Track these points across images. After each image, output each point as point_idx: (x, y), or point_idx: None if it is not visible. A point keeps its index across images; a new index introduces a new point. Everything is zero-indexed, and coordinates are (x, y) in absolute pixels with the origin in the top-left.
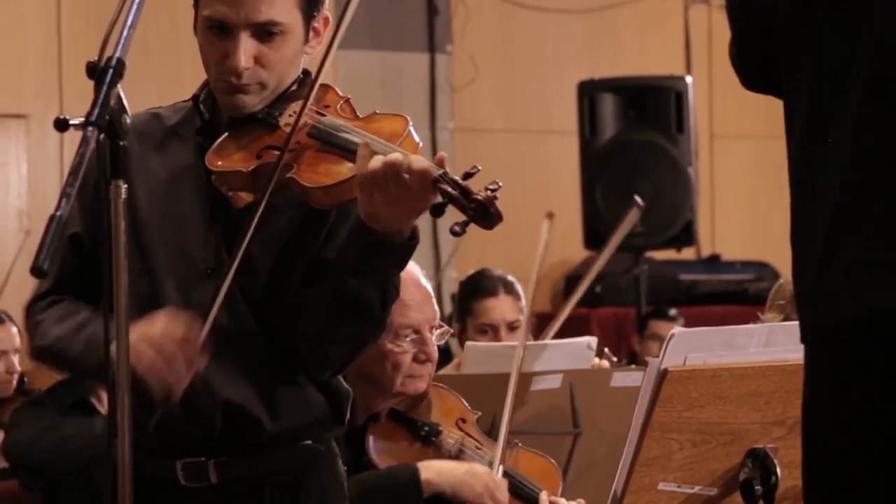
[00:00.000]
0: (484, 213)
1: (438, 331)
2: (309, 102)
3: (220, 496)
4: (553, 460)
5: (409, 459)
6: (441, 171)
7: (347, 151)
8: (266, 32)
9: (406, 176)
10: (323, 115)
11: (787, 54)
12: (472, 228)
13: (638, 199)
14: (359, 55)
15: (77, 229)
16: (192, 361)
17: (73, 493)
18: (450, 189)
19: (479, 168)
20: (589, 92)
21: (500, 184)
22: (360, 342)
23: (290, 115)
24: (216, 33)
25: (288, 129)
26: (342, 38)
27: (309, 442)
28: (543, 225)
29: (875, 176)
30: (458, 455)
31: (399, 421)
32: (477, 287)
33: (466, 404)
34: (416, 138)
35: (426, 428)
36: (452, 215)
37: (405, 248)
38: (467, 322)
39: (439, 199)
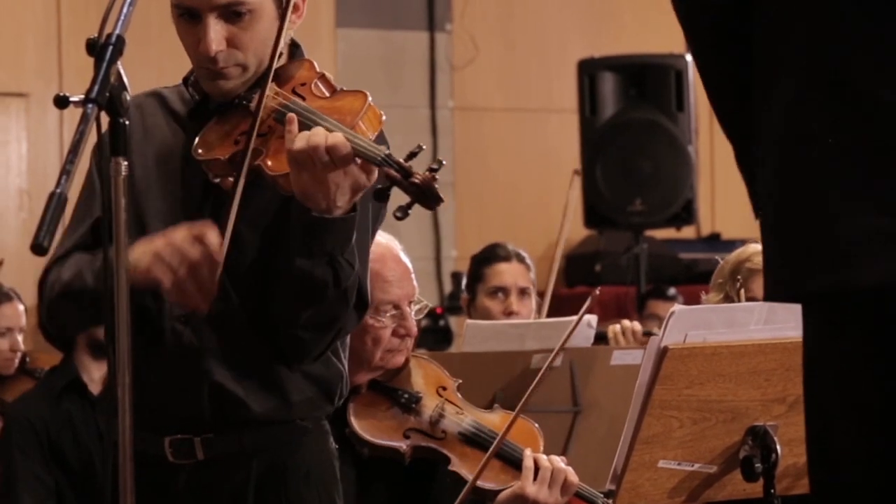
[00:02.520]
0: (423, 195)
1: (416, 306)
2: (266, 90)
3: (207, 473)
4: (535, 423)
5: (391, 427)
6: (384, 155)
7: None
8: (233, 13)
9: (326, 155)
10: (300, 95)
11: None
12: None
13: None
14: (358, 34)
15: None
16: (213, 271)
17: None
18: (393, 172)
19: (423, 147)
20: (589, 70)
21: (444, 162)
22: (329, 325)
23: (265, 97)
24: (186, 19)
25: (260, 114)
26: (342, 17)
27: (297, 421)
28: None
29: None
30: (438, 420)
31: (379, 391)
32: (489, 255)
33: (446, 372)
34: (378, 111)
35: (406, 396)
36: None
37: (344, 223)
38: (477, 289)
39: (376, 180)
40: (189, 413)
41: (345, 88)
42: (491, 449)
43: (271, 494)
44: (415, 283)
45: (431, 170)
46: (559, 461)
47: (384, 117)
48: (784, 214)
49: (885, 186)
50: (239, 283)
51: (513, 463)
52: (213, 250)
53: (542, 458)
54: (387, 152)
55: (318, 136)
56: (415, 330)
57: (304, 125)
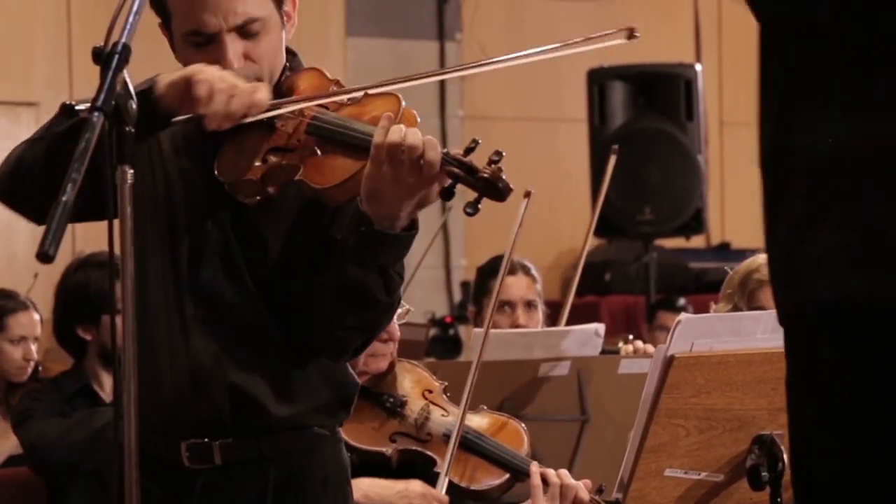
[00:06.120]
0: (493, 189)
1: (399, 310)
2: (288, 105)
3: (224, 478)
4: (521, 423)
5: (377, 432)
6: (444, 152)
7: (348, 146)
8: (248, 31)
9: (420, 161)
10: (323, 105)
11: None
12: (480, 213)
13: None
14: (368, 43)
15: None
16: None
17: (81, 482)
18: (456, 170)
19: (480, 141)
20: (598, 80)
21: (503, 153)
22: (372, 327)
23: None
24: (201, 46)
25: (284, 129)
26: (352, 26)
27: (314, 427)
28: (521, 204)
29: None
30: (423, 423)
31: (365, 397)
32: (495, 268)
33: (432, 376)
34: (412, 112)
35: (391, 400)
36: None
37: (403, 238)
38: (484, 302)
39: (447, 182)
40: (208, 417)
41: (369, 92)
42: (453, 437)
43: (289, 501)
44: None
45: (493, 161)
46: (568, 476)
47: (419, 119)
48: (771, 238)
49: (831, 204)
50: (262, 285)
51: (501, 465)
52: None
53: (551, 473)
54: (445, 149)
55: (416, 136)
56: (397, 334)
57: (345, 136)
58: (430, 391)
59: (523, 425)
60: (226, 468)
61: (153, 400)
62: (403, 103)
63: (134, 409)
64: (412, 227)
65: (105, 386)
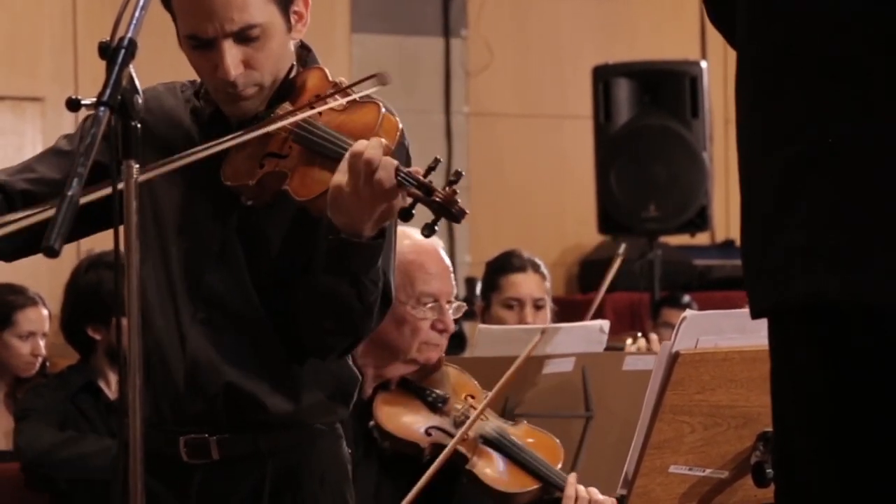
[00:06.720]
0: (447, 212)
1: (454, 304)
2: (278, 123)
3: (221, 473)
4: (556, 438)
5: (415, 423)
6: (403, 173)
7: (327, 158)
8: (246, 37)
9: (372, 175)
10: (315, 108)
11: None
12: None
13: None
14: (373, 39)
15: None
16: None
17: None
18: (414, 190)
19: (440, 159)
20: (604, 77)
21: (463, 173)
22: (352, 331)
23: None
24: (200, 49)
25: (279, 134)
26: (357, 22)
27: (313, 423)
28: (535, 337)
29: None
30: (462, 422)
31: (408, 388)
32: (505, 264)
33: (477, 384)
34: (394, 119)
35: (434, 395)
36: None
37: (370, 247)
38: (492, 298)
39: (407, 202)
40: (205, 413)
41: (357, 98)
42: (473, 417)
43: (286, 496)
44: (454, 282)
45: (451, 182)
46: (597, 493)
47: (401, 125)
48: (743, 234)
49: (804, 203)
50: (261, 282)
51: (537, 476)
52: None
53: (581, 489)
54: (405, 171)
55: (376, 150)
56: (452, 326)
57: (323, 148)
58: (473, 397)
59: (558, 441)
60: (223, 463)
61: (152, 395)
62: (383, 110)
63: (139, 405)
64: (381, 235)
65: (111, 383)
